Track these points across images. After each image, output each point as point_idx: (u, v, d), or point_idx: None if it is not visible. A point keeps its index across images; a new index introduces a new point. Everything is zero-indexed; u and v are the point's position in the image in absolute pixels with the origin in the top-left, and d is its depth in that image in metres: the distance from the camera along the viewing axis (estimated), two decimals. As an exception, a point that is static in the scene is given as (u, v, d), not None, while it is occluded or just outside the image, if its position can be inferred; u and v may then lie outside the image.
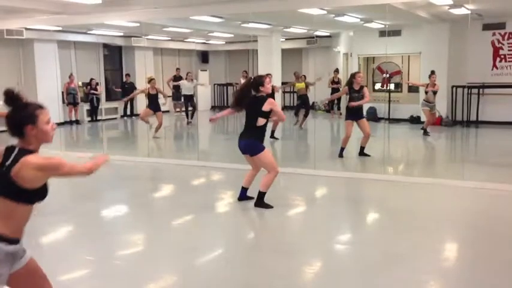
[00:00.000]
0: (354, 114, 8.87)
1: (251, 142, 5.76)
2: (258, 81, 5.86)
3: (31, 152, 2.55)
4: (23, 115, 2.57)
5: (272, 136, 11.27)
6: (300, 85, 13.89)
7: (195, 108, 14.98)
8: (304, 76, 17.49)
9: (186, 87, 14.73)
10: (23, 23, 11.99)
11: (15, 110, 2.61)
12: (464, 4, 10.17)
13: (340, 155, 9.00)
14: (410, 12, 10.98)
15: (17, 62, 14.64)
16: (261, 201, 5.88)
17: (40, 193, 2.57)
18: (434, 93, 11.74)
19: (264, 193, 5.86)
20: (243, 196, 6.13)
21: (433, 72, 11.77)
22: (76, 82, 15.52)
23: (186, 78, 14.97)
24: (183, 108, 15.29)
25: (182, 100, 15.31)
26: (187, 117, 14.79)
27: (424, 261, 4.33)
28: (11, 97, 2.62)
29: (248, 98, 5.84)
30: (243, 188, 6.14)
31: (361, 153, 9.09)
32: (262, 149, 5.78)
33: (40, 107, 2.63)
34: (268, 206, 5.87)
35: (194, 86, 15.24)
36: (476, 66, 13.10)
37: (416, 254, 4.49)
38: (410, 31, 14.15)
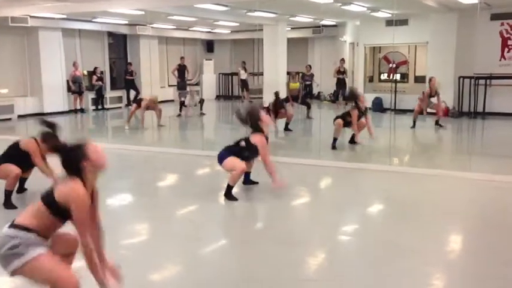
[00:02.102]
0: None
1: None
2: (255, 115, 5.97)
3: None
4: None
5: (286, 129, 11.28)
6: (294, 85, 13.71)
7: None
8: (310, 66, 17.41)
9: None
10: (28, 10, 11.95)
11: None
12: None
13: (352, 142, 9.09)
14: (418, 1, 10.86)
15: (22, 50, 14.61)
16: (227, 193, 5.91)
17: None
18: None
19: (232, 187, 5.86)
20: (247, 181, 6.33)
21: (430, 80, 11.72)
22: (81, 70, 15.47)
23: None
24: (193, 98, 15.16)
25: (187, 89, 15.21)
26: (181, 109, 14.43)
27: (430, 252, 4.29)
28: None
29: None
30: (245, 172, 6.24)
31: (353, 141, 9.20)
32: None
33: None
34: (233, 198, 5.86)
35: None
36: (483, 56, 12.96)
37: (422, 245, 4.45)
38: (417, 20, 14.00)
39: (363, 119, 9.04)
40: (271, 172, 5.90)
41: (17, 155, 5.64)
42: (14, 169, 5.55)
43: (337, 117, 8.99)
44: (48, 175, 5.54)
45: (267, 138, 6.02)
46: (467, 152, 8.93)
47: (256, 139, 5.88)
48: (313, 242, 4.65)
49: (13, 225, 2.85)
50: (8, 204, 5.55)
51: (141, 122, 11.95)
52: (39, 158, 5.62)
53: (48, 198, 2.88)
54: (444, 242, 4.63)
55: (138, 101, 12.33)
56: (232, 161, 5.86)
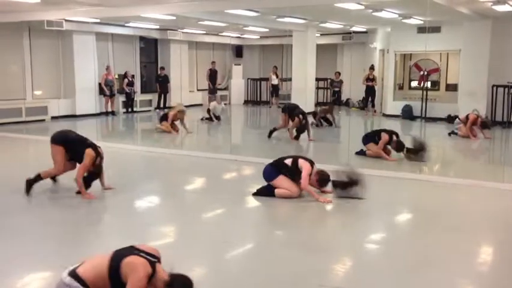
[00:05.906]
0: None
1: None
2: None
3: None
4: None
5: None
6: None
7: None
8: (339, 73, 17.33)
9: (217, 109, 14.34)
10: (63, 14, 12.26)
11: None
12: (508, 1, 9.83)
13: None
14: (452, 8, 10.67)
15: (57, 53, 14.97)
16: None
17: None
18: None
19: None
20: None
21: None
22: (113, 74, 15.76)
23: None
24: (223, 102, 15.19)
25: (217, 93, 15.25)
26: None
27: (459, 263, 4.20)
28: None
29: None
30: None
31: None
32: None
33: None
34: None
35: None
36: (518, 65, 12.66)
37: (451, 256, 4.36)
38: (450, 28, 13.78)
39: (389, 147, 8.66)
40: (311, 192, 6.00)
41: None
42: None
43: (367, 138, 8.77)
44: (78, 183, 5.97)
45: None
46: (500, 162, 8.71)
47: (304, 165, 6.00)
48: (339, 250, 4.61)
49: (73, 274, 2.84)
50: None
51: (174, 131, 11.78)
52: (84, 169, 5.95)
53: (115, 262, 2.89)
54: (473, 253, 4.52)
55: (165, 117, 12.00)
56: (288, 183, 6.02)
